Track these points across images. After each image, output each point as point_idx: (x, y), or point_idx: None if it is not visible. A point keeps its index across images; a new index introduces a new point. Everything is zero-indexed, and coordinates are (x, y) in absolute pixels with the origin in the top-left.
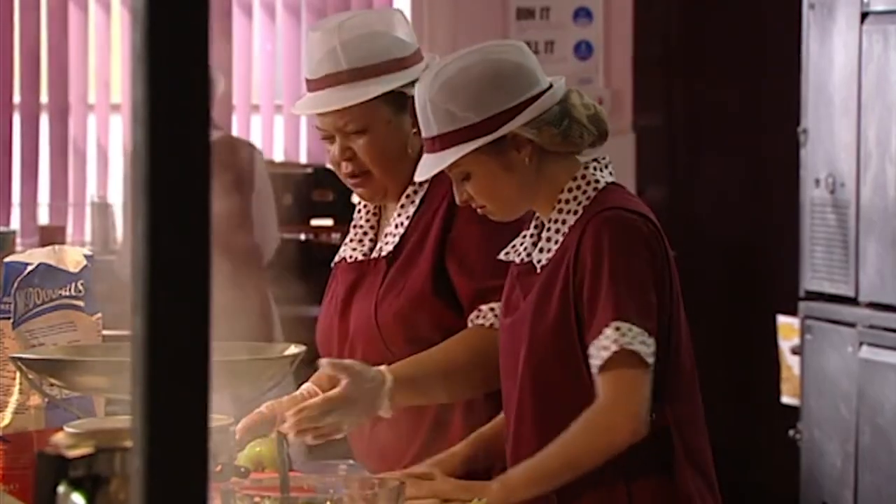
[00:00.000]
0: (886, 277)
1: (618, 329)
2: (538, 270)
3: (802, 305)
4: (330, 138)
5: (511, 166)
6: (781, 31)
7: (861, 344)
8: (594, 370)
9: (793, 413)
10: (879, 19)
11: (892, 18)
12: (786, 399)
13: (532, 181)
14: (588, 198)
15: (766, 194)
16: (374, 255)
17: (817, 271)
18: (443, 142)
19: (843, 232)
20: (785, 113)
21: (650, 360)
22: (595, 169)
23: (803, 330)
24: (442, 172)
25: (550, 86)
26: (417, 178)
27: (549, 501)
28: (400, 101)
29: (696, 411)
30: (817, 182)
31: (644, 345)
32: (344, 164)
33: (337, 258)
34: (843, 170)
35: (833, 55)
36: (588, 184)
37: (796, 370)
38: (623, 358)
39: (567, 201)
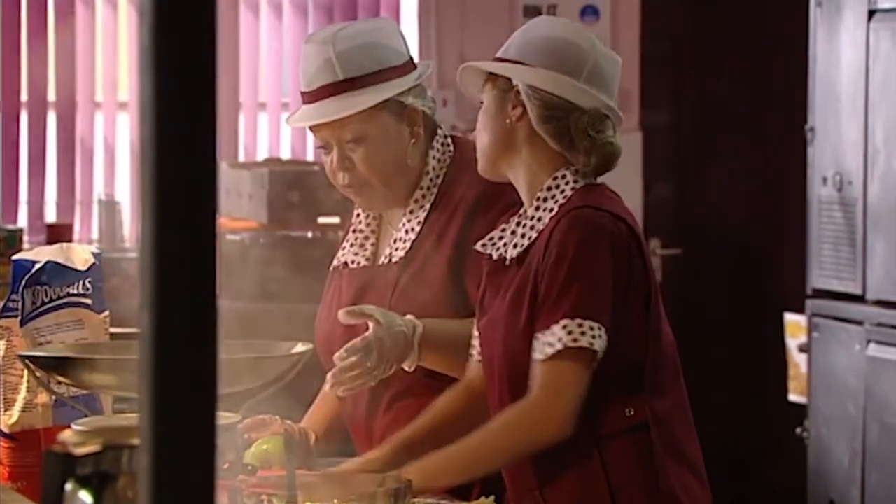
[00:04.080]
0: (894, 275)
1: (565, 327)
2: (507, 263)
3: (810, 303)
4: (327, 147)
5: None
6: (789, 29)
7: (868, 342)
8: (534, 361)
9: (800, 411)
10: (887, 17)
11: None
12: (793, 397)
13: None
14: (565, 196)
15: (773, 192)
16: (383, 260)
17: (825, 269)
18: None
19: (851, 230)
20: (792, 111)
21: (599, 351)
22: (577, 169)
23: (811, 328)
24: (455, 182)
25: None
26: None
27: (533, 497)
28: (398, 109)
29: (678, 405)
30: (825, 180)
31: (594, 338)
32: (342, 174)
33: (336, 262)
34: (850, 168)
35: (840, 53)
36: (567, 183)
37: (804, 368)
38: (566, 356)
39: (545, 199)
